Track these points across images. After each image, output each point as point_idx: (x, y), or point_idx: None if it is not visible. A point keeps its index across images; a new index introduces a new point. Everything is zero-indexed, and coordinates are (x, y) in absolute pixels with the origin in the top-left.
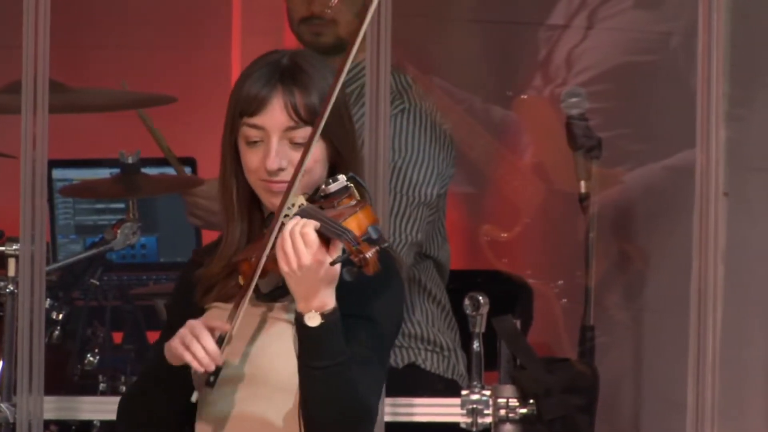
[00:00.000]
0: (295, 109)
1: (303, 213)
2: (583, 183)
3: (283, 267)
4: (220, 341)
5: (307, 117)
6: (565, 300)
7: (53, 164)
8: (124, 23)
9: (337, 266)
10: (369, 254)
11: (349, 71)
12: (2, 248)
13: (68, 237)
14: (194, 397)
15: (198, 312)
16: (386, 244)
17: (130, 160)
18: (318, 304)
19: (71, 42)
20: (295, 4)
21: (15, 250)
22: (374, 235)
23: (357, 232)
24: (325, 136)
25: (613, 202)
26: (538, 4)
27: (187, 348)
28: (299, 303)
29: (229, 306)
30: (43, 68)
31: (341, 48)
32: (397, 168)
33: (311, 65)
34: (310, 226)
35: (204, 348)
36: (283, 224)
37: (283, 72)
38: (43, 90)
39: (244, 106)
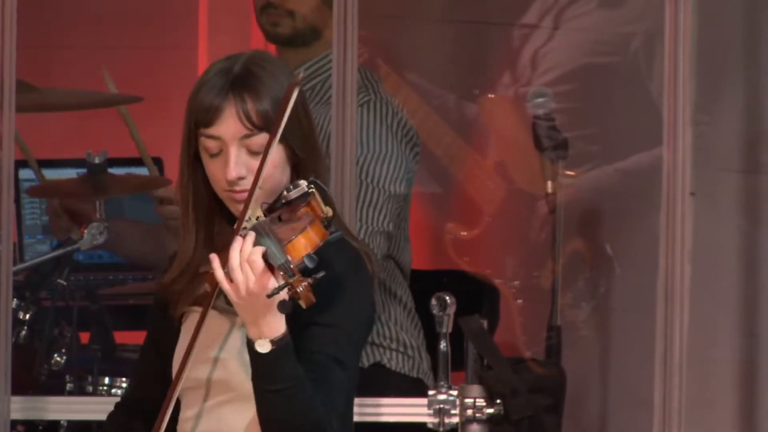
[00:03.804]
0: (248, 116)
1: (254, 230)
2: (549, 183)
3: (232, 297)
4: None
5: (261, 123)
6: (520, 300)
7: (20, 164)
8: (90, 23)
9: (283, 292)
10: (301, 288)
11: (309, 67)
12: None
13: (35, 237)
14: None
15: (173, 323)
16: (321, 274)
17: (96, 160)
18: (267, 330)
19: (38, 42)
20: None
21: None
22: (310, 264)
23: (304, 252)
24: (282, 139)
25: (572, 203)
26: (507, 5)
27: None
28: (250, 329)
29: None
30: (10, 68)
31: (299, 40)
32: (365, 162)
33: (263, 69)
34: (257, 253)
35: None
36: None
37: (234, 80)
38: (9, 90)
39: (198, 116)
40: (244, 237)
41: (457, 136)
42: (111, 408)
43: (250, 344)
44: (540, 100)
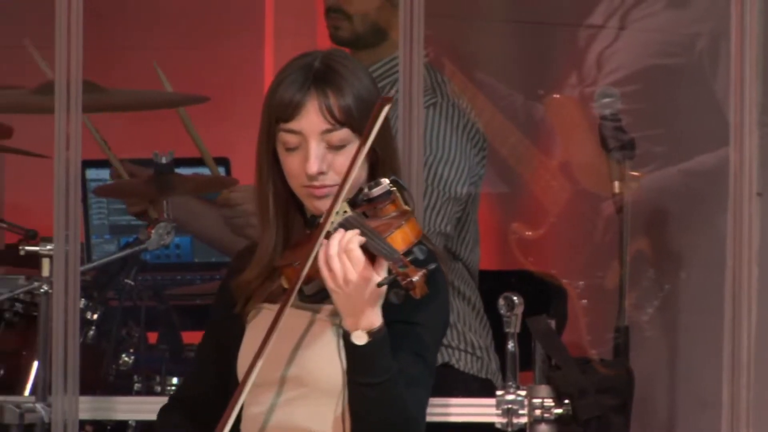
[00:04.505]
0: (330, 111)
1: (346, 223)
2: (616, 183)
3: (330, 284)
4: None
5: (343, 118)
6: (585, 300)
7: (87, 164)
8: (157, 23)
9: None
10: (416, 278)
11: (377, 69)
12: (36, 248)
13: (102, 237)
14: None
15: (238, 321)
16: (433, 266)
17: (163, 160)
18: (365, 322)
19: (105, 43)
20: None
21: (49, 250)
22: (420, 256)
23: (402, 247)
24: (361, 137)
25: (637, 203)
26: (573, 6)
27: None
28: (346, 320)
29: (276, 307)
30: (77, 68)
31: (360, 42)
32: (428, 164)
33: (343, 66)
34: (355, 242)
35: None
36: (328, 232)
37: (316, 75)
38: (76, 90)
39: (279, 112)
40: (335, 230)
41: (523, 136)
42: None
43: (346, 336)
44: (606, 100)
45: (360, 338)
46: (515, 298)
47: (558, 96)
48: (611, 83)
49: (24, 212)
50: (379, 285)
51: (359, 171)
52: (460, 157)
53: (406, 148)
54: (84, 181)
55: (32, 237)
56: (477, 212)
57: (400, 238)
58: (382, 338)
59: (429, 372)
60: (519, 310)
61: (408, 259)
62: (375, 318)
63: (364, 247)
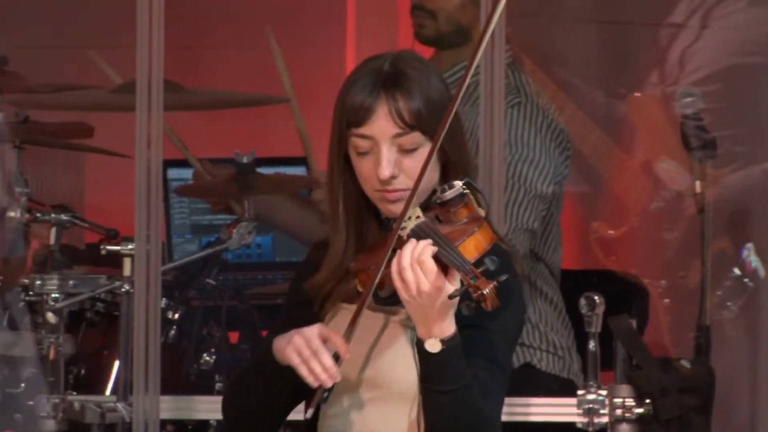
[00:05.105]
0: (400, 115)
1: (418, 230)
2: (698, 183)
3: (402, 295)
4: (335, 357)
5: (413, 122)
6: (667, 300)
7: (168, 164)
8: (238, 23)
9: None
10: (487, 290)
11: (460, 69)
12: (118, 248)
13: (184, 237)
14: (309, 414)
15: (316, 319)
16: (504, 277)
17: (245, 160)
18: (438, 330)
19: (185, 42)
20: None
21: (130, 249)
22: (491, 267)
23: (475, 254)
24: (432, 140)
25: (718, 203)
26: (654, 5)
27: (305, 362)
28: (419, 328)
29: (354, 307)
30: (158, 68)
31: (444, 42)
32: (514, 162)
33: (413, 68)
34: (428, 254)
35: (322, 365)
36: (400, 237)
37: (386, 78)
38: (157, 90)
39: (349, 116)
40: (407, 236)
41: (604, 135)
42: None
43: (419, 344)
44: (688, 99)
45: (433, 346)
46: (596, 297)
47: (640, 95)
48: (693, 82)
49: (105, 212)
50: (451, 297)
51: (431, 173)
52: (544, 158)
53: (487, 148)
54: (165, 180)
55: (113, 236)
56: (560, 213)
57: (472, 246)
58: (455, 346)
59: (503, 377)
60: (600, 309)
61: (479, 270)
62: (448, 326)
63: (435, 257)
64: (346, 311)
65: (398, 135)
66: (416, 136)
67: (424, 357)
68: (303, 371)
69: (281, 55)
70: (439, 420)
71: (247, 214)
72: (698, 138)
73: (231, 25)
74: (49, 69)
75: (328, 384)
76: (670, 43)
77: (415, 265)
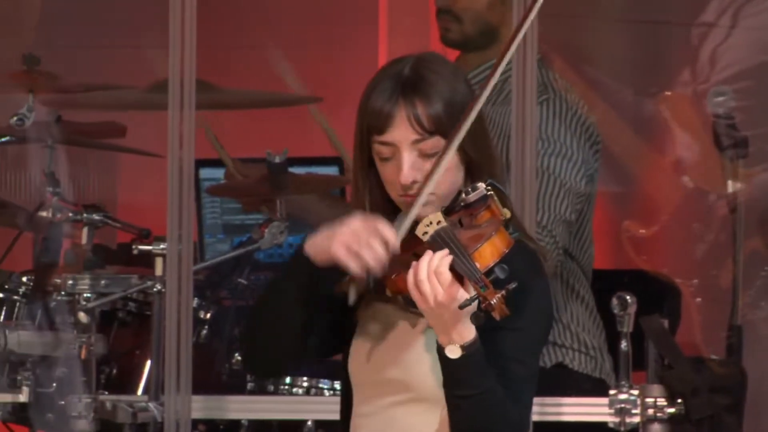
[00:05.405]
0: (418, 121)
1: (437, 237)
2: (730, 182)
3: (421, 305)
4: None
5: (432, 127)
6: (699, 299)
7: (200, 163)
8: (270, 23)
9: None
10: (494, 300)
11: (487, 69)
12: (150, 247)
13: (215, 236)
14: (351, 300)
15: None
16: (514, 285)
17: (277, 160)
18: (457, 336)
19: (218, 42)
20: None
21: (162, 249)
22: (501, 275)
23: (490, 260)
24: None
25: (750, 202)
26: (684, 4)
27: (357, 255)
28: (439, 336)
29: (386, 306)
30: (190, 68)
31: (470, 44)
32: (546, 156)
33: (434, 72)
34: (445, 265)
35: (373, 252)
36: (420, 241)
37: (405, 84)
38: (189, 89)
39: (371, 122)
40: (427, 242)
41: (635, 134)
42: (291, 407)
43: (440, 350)
44: (720, 98)
45: (453, 352)
46: (628, 297)
47: (671, 93)
48: (723, 80)
49: (137, 211)
50: (461, 307)
51: (453, 177)
52: (575, 151)
53: (519, 146)
54: (197, 180)
55: (145, 236)
56: (593, 212)
57: (488, 252)
58: (475, 351)
59: (531, 377)
60: (632, 309)
61: (489, 279)
62: (466, 332)
63: (451, 266)
64: (377, 304)
65: (418, 141)
66: (436, 141)
67: (444, 363)
68: (353, 264)
69: (293, 74)
70: (462, 423)
71: (279, 214)
72: (729, 137)
73: (264, 25)
74: (82, 69)
75: (378, 269)
76: (701, 42)
77: (432, 276)
